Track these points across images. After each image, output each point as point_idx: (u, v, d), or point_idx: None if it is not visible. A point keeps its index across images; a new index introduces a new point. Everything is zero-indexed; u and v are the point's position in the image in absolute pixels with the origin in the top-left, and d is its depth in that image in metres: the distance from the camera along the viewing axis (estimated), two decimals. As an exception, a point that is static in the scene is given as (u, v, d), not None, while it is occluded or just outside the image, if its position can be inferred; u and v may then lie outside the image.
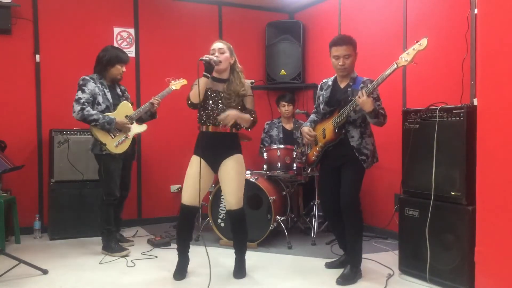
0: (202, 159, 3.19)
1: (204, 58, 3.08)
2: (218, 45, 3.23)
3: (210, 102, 3.22)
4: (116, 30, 5.05)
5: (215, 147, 3.23)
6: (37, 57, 4.70)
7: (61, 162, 4.41)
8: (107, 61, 3.90)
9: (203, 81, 3.08)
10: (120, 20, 5.08)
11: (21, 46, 4.65)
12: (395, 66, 2.89)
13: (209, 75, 3.11)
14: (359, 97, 2.99)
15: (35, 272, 3.35)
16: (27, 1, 4.62)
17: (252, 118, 3.26)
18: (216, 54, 3.18)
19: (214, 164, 3.27)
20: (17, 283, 3.19)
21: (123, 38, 5.07)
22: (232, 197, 3.26)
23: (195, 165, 3.19)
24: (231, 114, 3.15)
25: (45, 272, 3.37)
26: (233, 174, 3.24)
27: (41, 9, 4.71)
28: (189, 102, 3.18)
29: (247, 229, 3.41)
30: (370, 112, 3.02)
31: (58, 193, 4.40)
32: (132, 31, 5.13)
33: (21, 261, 3.33)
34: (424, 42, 2.80)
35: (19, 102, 4.64)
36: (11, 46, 4.60)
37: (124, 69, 4.00)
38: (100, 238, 3.95)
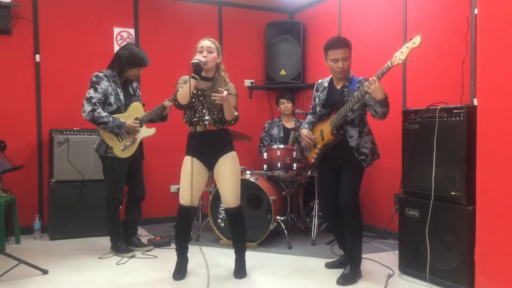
0: (196, 159, 3.21)
1: (194, 61, 3.08)
2: (206, 43, 3.20)
3: (196, 101, 3.22)
4: (116, 30, 5.05)
5: (209, 146, 3.23)
6: (37, 57, 4.70)
7: (61, 162, 4.41)
8: (127, 62, 3.78)
9: (192, 82, 3.08)
10: (120, 20, 5.08)
11: (21, 46, 4.65)
12: (389, 65, 2.88)
13: (198, 77, 3.10)
14: (370, 84, 2.89)
15: (35, 272, 3.35)
16: (27, 1, 4.62)
17: (236, 113, 3.26)
18: (205, 53, 3.16)
19: (210, 163, 3.27)
20: (17, 283, 3.19)
21: (123, 38, 5.07)
22: (230, 195, 3.28)
23: (189, 166, 3.18)
24: (224, 96, 3.07)
25: (45, 272, 3.37)
26: (230, 172, 3.26)
27: (41, 9, 4.71)
28: (176, 103, 3.18)
29: (246, 227, 3.41)
30: (382, 99, 2.94)
31: (58, 193, 4.41)
32: (132, 31, 5.13)
33: (21, 261, 3.33)
34: (417, 39, 2.79)
35: (19, 102, 4.64)
36: (11, 46, 4.60)
37: (140, 71, 3.93)
38: (99, 238, 3.94)
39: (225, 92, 3.10)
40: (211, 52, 3.18)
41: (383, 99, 2.95)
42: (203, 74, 3.18)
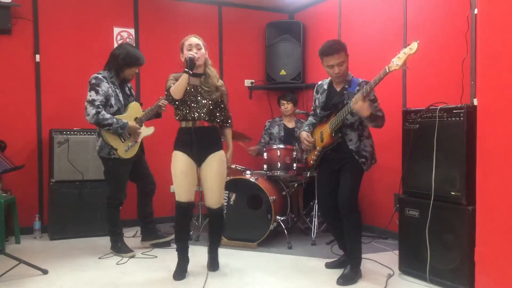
0: (186, 154, 3.25)
1: (190, 55, 3.14)
2: (195, 40, 3.26)
3: (190, 97, 3.25)
4: (116, 30, 5.05)
5: (200, 141, 3.26)
6: (37, 57, 4.70)
7: (61, 162, 4.41)
8: (125, 61, 3.78)
9: (185, 77, 3.12)
10: (120, 20, 5.07)
11: (21, 46, 4.65)
12: (386, 70, 2.88)
13: (191, 72, 3.14)
14: (354, 103, 2.97)
15: (35, 272, 3.35)
16: (27, 1, 4.62)
17: (230, 125, 3.47)
18: (194, 50, 3.21)
19: (199, 158, 3.30)
20: (17, 283, 3.19)
21: (123, 38, 5.06)
22: (215, 196, 3.36)
23: (181, 162, 3.24)
24: (229, 160, 3.43)
25: (45, 272, 3.37)
26: (217, 173, 3.32)
27: (41, 9, 4.71)
28: (170, 98, 3.21)
29: (225, 226, 3.64)
30: (367, 117, 3.02)
31: (58, 193, 4.40)
32: (132, 31, 5.13)
33: (21, 261, 3.33)
34: (414, 46, 2.79)
35: (19, 102, 4.64)
36: (11, 46, 4.60)
37: (137, 71, 3.95)
38: (99, 238, 3.94)
39: (229, 162, 3.44)
40: (199, 49, 3.24)
41: (368, 116, 3.00)
42: (194, 70, 3.22)
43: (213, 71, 3.33)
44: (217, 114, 3.34)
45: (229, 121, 3.46)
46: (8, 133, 4.44)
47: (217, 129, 3.39)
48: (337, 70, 3.17)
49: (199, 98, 3.25)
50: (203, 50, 3.26)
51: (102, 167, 3.90)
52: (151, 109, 3.93)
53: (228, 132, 3.48)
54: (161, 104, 3.93)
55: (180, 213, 3.29)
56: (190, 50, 3.21)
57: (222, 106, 3.38)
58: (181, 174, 3.24)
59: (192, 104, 3.24)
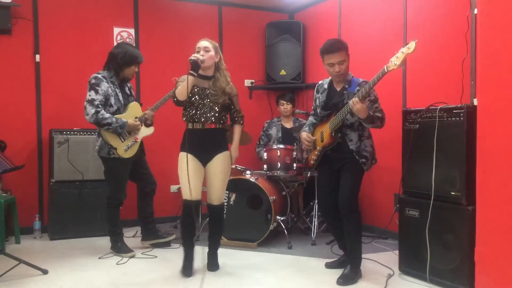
0: (193, 155, 3.27)
1: (192, 58, 3.16)
2: (203, 43, 3.28)
3: (197, 98, 3.28)
4: (116, 30, 5.05)
5: (205, 143, 3.30)
6: (37, 57, 4.70)
7: (61, 162, 4.41)
8: (124, 60, 3.78)
9: (189, 79, 3.13)
10: (120, 20, 5.07)
11: (21, 46, 4.64)
12: (385, 70, 2.89)
13: (195, 74, 3.16)
14: (353, 105, 2.98)
15: (35, 272, 3.35)
16: (27, 1, 4.62)
17: (241, 122, 3.50)
18: (201, 52, 3.23)
19: (204, 159, 3.33)
20: (17, 283, 3.19)
21: (123, 38, 5.06)
22: (217, 193, 3.40)
23: (187, 162, 3.25)
24: (234, 157, 3.44)
25: (45, 272, 3.37)
26: (222, 171, 3.36)
27: (41, 9, 4.71)
28: (175, 99, 3.24)
29: (224, 224, 3.63)
30: (365, 118, 3.03)
31: (58, 193, 4.40)
32: (132, 31, 5.13)
33: (21, 261, 3.33)
34: (412, 45, 2.80)
35: (19, 102, 4.64)
36: (11, 46, 4.59)
37: (137, 69, 3.95)
38: (99, 238, 3.94)
39: (233, 159, 3.44)
40: (208, 51, 3.25)
41: (366, 118, 3.01)
42: (202, 73, 3.25)
43: (223, 75, 3.34)
44: (226, 115, 3.41)
45: (240, 119, 3.49)
46: (8, 133, 4.44)
47: (223, 131, 3.41)
48: (337, 68, 3.18)
49: (206, 100, 3.28)
50: (211, 53, 3.26)
51: (102, 167, 3.90)
52: (151, 109, 3.96)
53: (237, 128, 3.48)
54: (147, 116, 3.90)
55: (186, 211, 3.31)
56: (198, 52, 3.24)
57: (232, 107, 3.44)
58: (185, 174, 3.23)
59: (200, 106, 3.28)
